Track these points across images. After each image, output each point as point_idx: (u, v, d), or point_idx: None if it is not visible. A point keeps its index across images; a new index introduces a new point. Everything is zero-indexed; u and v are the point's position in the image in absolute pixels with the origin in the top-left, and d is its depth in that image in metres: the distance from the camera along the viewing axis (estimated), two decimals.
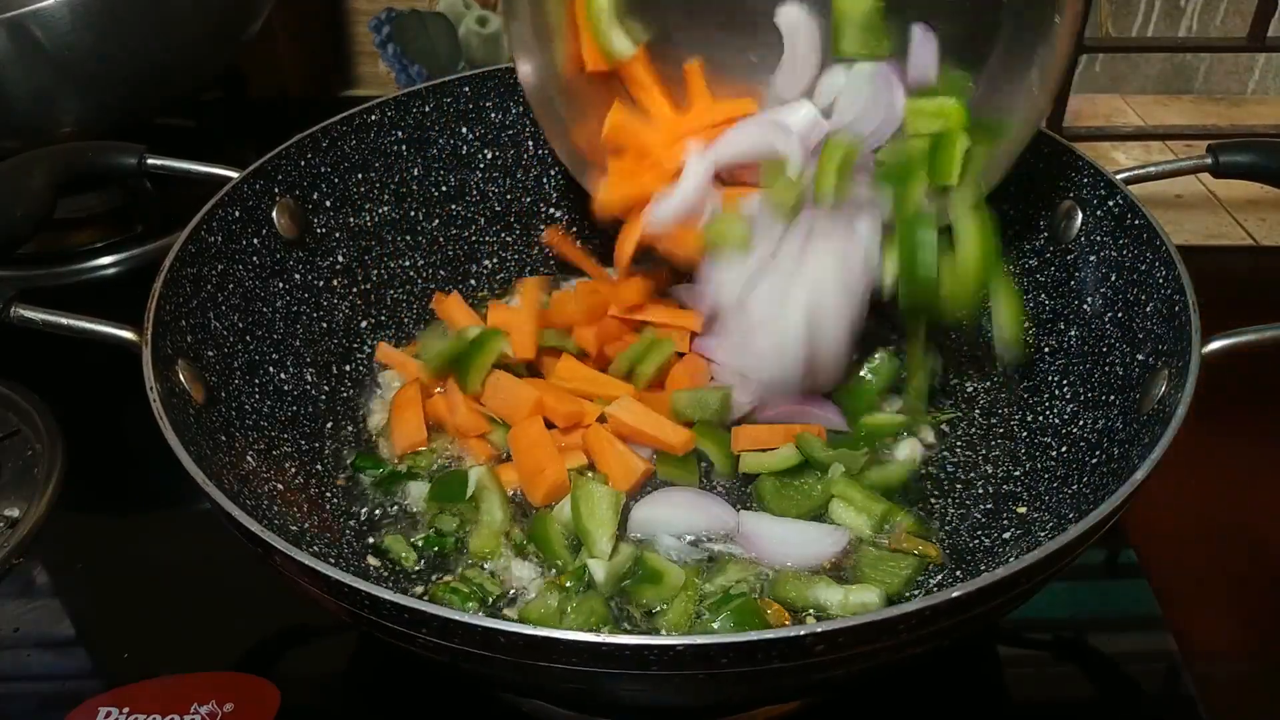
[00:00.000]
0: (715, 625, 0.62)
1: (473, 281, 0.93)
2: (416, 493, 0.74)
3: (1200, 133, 1.14)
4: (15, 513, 0.79)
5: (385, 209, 0.88)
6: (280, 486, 0.69)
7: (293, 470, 0.72)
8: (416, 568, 0.69)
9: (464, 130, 0.91)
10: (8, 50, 0.86)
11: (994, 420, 0.77)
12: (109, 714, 0.64)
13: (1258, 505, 0.83)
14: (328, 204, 0.84)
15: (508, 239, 0.95)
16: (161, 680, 0.66)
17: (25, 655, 0.70)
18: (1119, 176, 0.73)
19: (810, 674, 0.47)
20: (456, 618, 0.45)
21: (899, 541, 0.69)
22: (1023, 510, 0.69)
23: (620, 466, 0.73)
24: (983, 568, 0.67)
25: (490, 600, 0.66)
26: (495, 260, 0.94)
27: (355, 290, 0.86)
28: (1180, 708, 0.66)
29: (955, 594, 0.44)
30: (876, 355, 0.79)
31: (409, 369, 0.82)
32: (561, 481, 0.72)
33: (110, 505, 0.84)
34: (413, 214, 0.90)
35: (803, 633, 0.43)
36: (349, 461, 0.77)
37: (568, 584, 0.66)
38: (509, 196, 0.94)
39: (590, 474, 0.74)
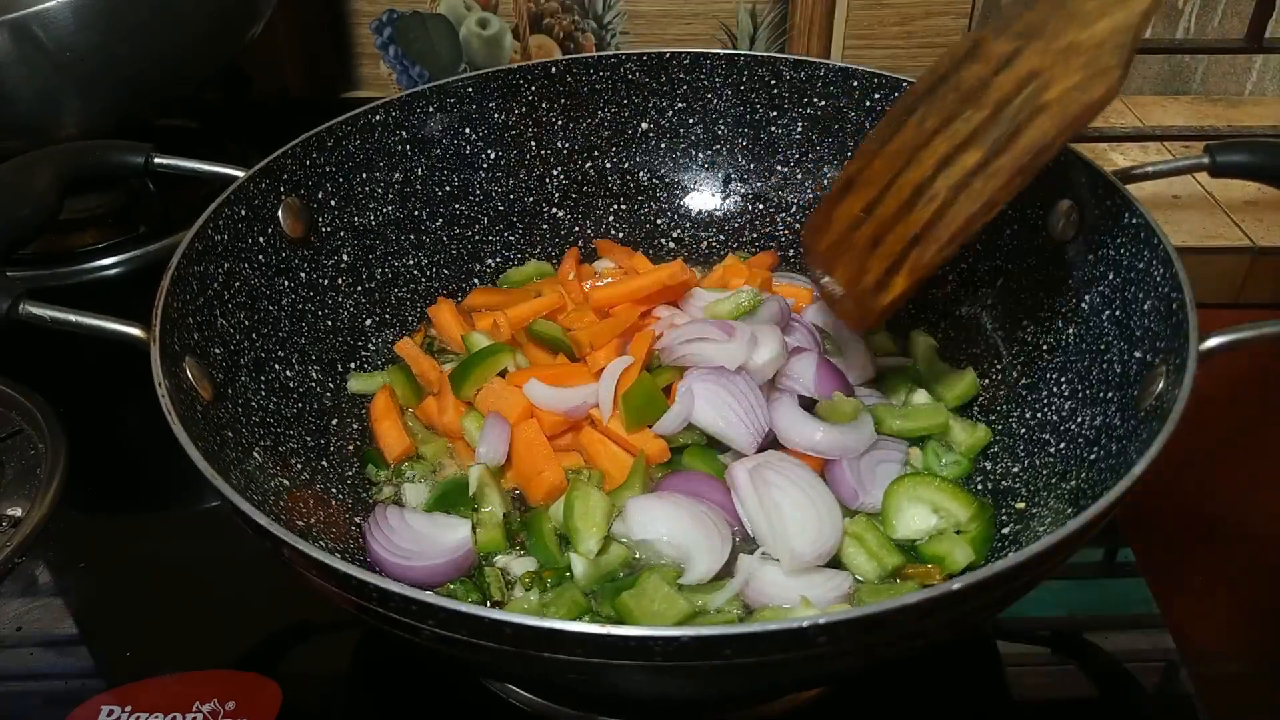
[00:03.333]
0: None
1: (476, 280, 0.93)
2: (414, 497, 0.74)
3: (1197, 133, 1.15)
4: (18, 512, 0.80)
5: (389, 208, 0.89)
6: (286, 482, 0.69)
7: (299, 466, 0.72)
8: None
9: (467, 130, 0.92)
10: (11, 51, 0.87)
11: (993, 417, 0.78)
12: (111, 712, 0.65)
13: (1255, 504, 0.84)
14: (333, 203, 0.84)
15: (510, 238, 0.95)
16: (164, 679, 0.67)
17: (28, 654, 0.71)
18: (1116, 176, 0.73)
19: (811, 666, 0.47)
20: (462, 610, 0.45)
21: (901, 574, 0.67)
22: (1021, 505, 0.70)
23: (614, 465, 0.73)
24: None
25: (492, 600, 0.67)
26: (498, 259, 0.95)
27: (360, 289, 0.86)
28: (1178, 705, 0.67)
29: (955, 587, 0.45)
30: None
31: (422, 364, 0.83)
32: (559, 482, 0.72)
33: (112, 505, 0.85)
34: (416, 213, 0.90)
35: (805, 624, 0.43)
36: (354, 457, 0.77)
37: (548, 580, 0.66)
38: (512, 196, 0.95)
39: (585, 474, 0.74)
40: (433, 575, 0.66)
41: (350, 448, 0.78)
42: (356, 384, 0.82)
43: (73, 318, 0.65)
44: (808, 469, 0.69)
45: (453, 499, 0.72)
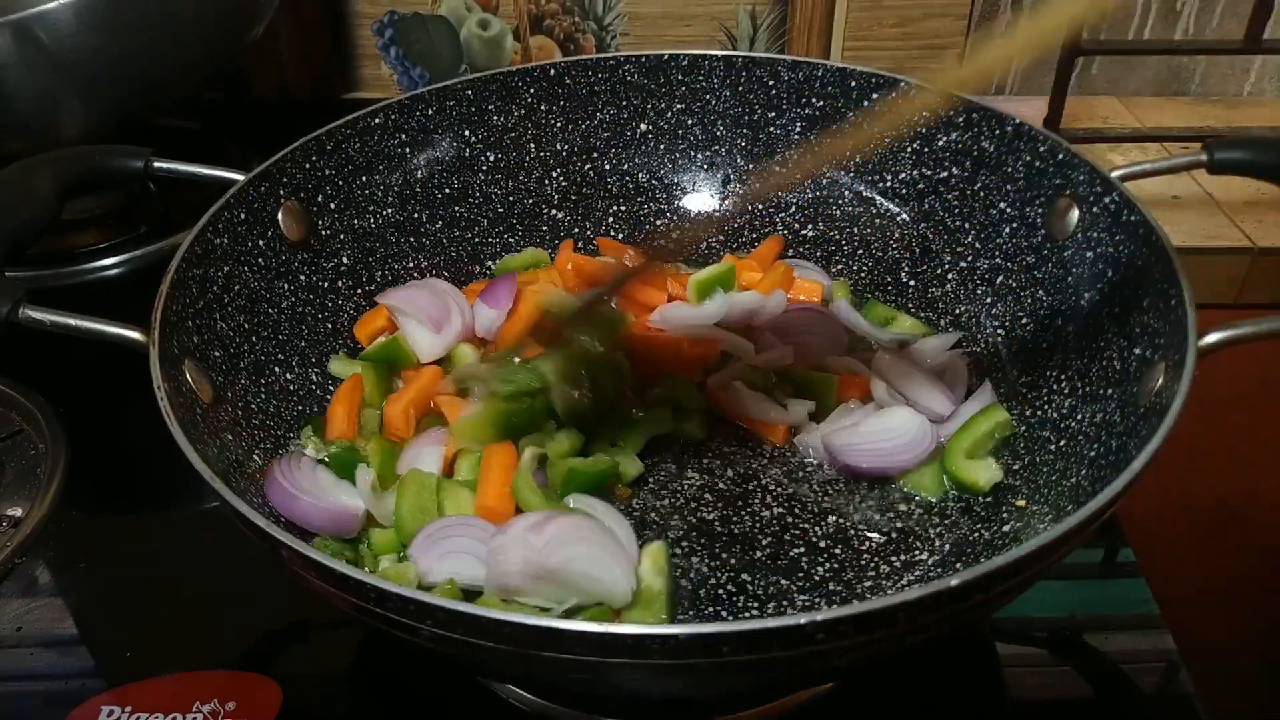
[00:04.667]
0: None
1: (475, 283, 0.93)
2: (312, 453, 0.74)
3: (1196, 134, 1.15)
4: (18, 512, 0.80)
5: (389, 211, 0.89)
6: None
7: None
8: None
9: (466, 133, 0.92)
10: (12, 52, 0.87)
11: None
12: (111, 712, 0.65)
13: (1256, 505, 0.84)
14: (332, 206, 0.85)
15: (510, 240, 0.95)
16: (164, 679, 0.67)
17: (28, 654, 0.71)
18: (1115, 174, 0.73)
19: (810, 662, 0.47)
20: (460, 609, 0.45)
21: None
22: (1022, 503, 0.70)
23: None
24: (983, 560, 0.67)
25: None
26: (498, 261, 0.94)
27: (360, 292, 0.86)
28: (1179, 706, 0.67)
29: (952, 583, 0.45)
30: None
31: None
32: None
33: (113, 505, 0.85)
34: (416, 216, 0.91)
35: (803, 621, 0.43)
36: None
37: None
38: (511, 199, 0.95)
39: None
40: (308, 516, 0.67)
41: None
42: (337, 366, 0.81)
43: (72, 321, 0.65)
44: (583, 528, 0.65)
45: (336, 466, 0.72)
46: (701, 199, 0.98)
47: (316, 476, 0.70)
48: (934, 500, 0.73)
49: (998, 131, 0.82)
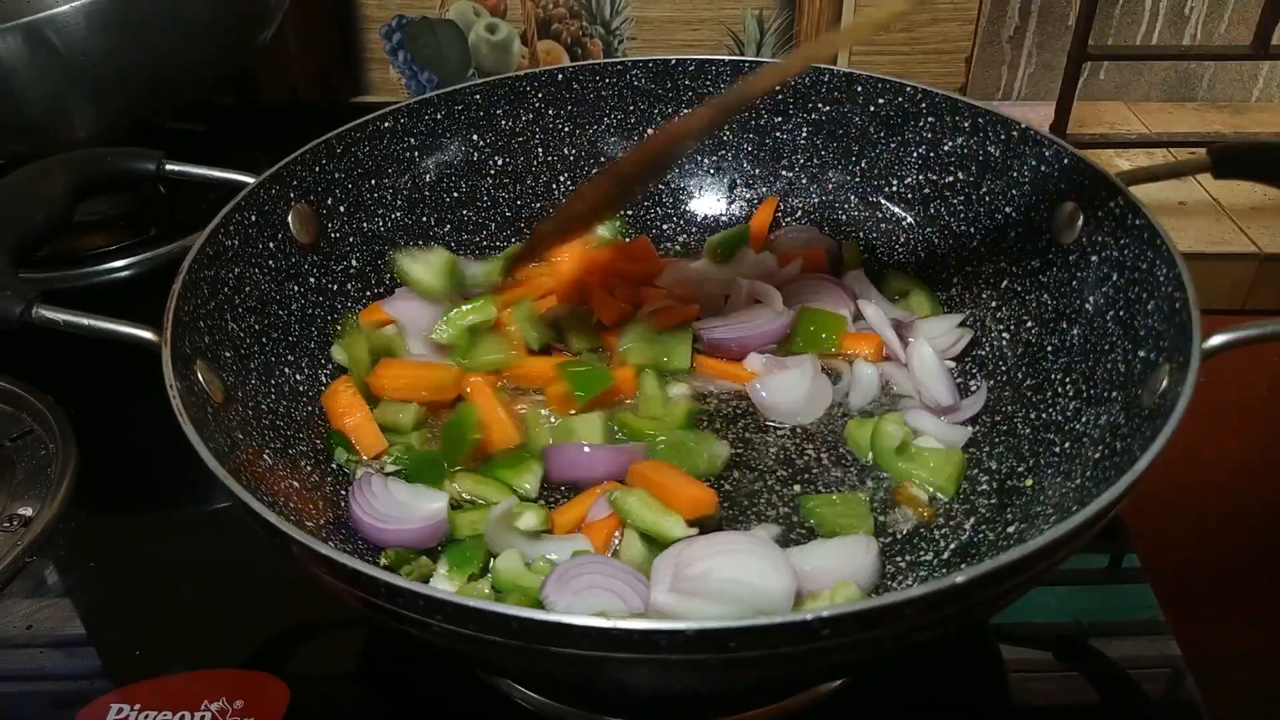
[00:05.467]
0: None
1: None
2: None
3: (1203, 140, 1.15)
4: (28, 512, 0.80)
5: (398, 214, 0.89)
6: (296, 484, 0.70)
7: (308, 468, 0.73)
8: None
9: (475, 137, 0.93)
10: (23, 55, 0.87)
11: (998, 418, 0.78)
12: (120, 711, 0.65)
13: (1260, 510, 0.84)
14: (342, 209, 0.85)
15: (517, 244, 0.96)
16: (172, 677, 0.67)
17: (38, 653, 0.71)
18: (1120, 178, 0.74)
19: (816, 659, 0.48)
20: (470, 604, 0.46)
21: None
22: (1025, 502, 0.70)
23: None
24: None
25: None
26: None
27: (369, 294, 0.87)
28: (1184, 712, 0.67)
29: (958, 580, 0.45)
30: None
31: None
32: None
33: (122, 505, 0.85)
34: (424, 219, 0.91)
35: (809, 617, 0.43)
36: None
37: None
38: (519, 202, 0.96)
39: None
40: (405, 539, 0.68)
41: None
42: (340, 354, 0.81)
43: (85, 321, 0.65)
44: (725, 539, 0.66)
45: (423, 473, 0.73)
46: (708, 203, 0.98)
47: (391, 494, 0.70)
48: (941, 501, 0.73)
49: (1004, 136, 0.82)
